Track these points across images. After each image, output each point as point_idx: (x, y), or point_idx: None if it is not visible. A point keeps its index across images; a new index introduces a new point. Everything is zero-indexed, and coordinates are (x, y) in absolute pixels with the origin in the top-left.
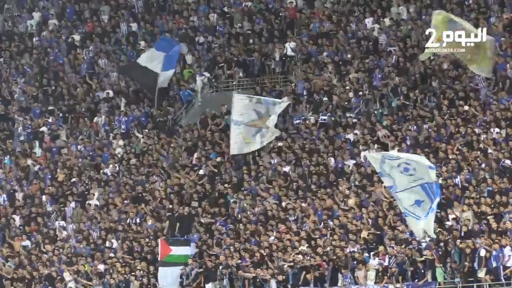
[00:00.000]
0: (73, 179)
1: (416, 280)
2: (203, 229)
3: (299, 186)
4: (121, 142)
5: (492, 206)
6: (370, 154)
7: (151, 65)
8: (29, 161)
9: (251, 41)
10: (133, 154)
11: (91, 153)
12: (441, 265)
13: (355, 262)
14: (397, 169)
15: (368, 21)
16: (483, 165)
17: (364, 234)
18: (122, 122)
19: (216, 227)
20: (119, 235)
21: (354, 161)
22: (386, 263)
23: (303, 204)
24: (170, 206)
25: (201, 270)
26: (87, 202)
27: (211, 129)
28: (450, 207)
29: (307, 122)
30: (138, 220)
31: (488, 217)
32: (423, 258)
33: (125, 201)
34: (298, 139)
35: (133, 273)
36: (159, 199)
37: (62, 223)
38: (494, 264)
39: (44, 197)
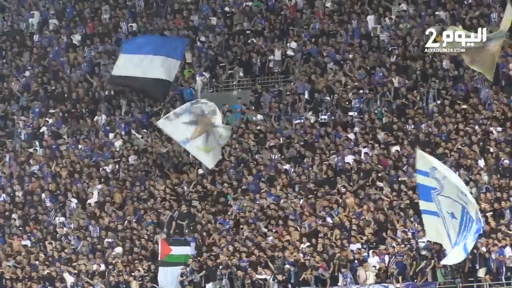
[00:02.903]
0: (73, 178)
1: (416, 280)
2: (201, 229)
3: (300, 184)
4: (120, 141)
5: (492, 203)
6: (421, 152)
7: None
8: (29, 160)
9: (253, 40)
10: (133, 152)
11: (90, 152)
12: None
13: (356, 261)
14: (450, 181)
15: (370, 19)
16: (482, 164)
17: (365, 232)
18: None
19: (215, 226)
20: (119, 235)
21: (353, 160)
22: (386, 263)
23: (303, 203)
24: (170, 205)
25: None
26: (87, 201)
27: None
28: None
29: (307, 122)
30: (137, 220)
31: (488, 215)
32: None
33: (125, 200)
34: (298, 137)
35: (133, 273)
36: (159, 198)
37: (62, 219)
38: (494, 265)
39: (43, 195)
